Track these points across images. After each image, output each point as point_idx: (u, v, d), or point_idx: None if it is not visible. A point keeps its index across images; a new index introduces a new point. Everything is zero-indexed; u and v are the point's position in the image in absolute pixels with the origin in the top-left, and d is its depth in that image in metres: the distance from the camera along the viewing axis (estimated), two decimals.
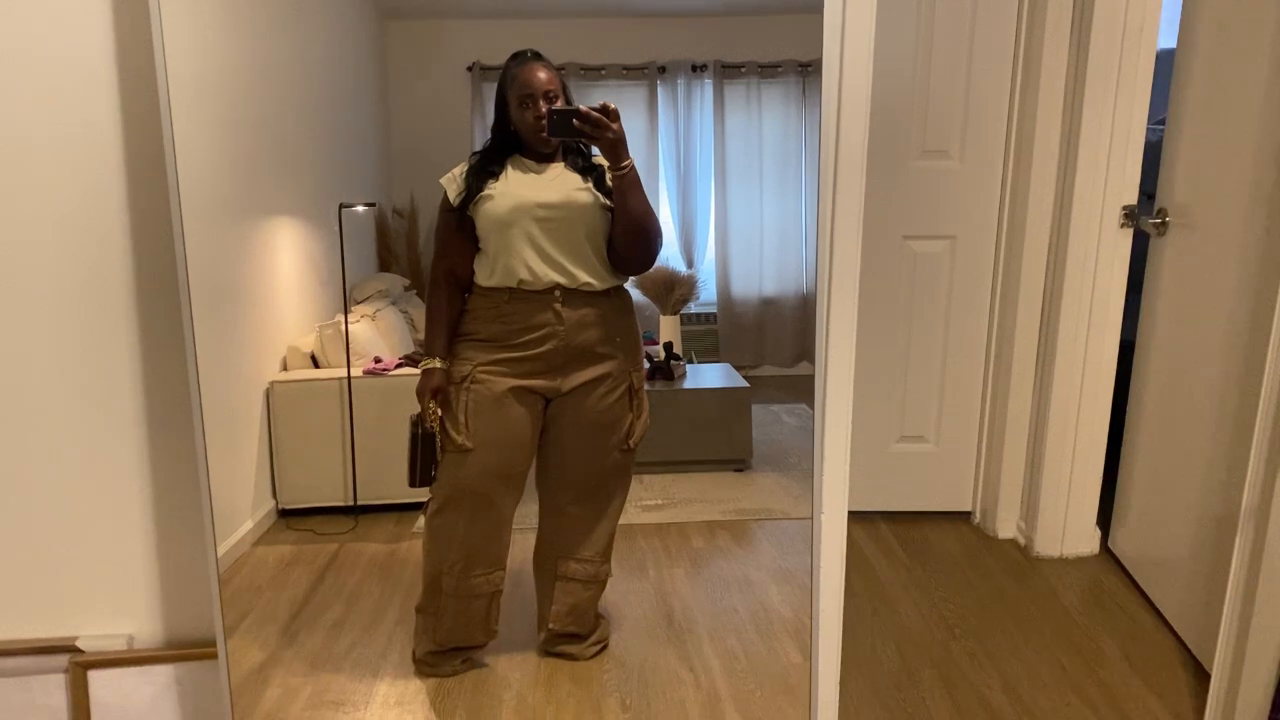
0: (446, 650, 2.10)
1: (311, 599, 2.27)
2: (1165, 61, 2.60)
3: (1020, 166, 2.79)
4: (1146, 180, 2.67)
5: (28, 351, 1.56)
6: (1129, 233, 2.66)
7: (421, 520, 2.44)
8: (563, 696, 2.04)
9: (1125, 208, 2.63)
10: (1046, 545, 2.87)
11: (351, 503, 2.40)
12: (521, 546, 2.17)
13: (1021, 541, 2.95)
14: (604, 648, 2.20)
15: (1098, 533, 2.88)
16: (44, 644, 1.59)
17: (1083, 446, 2.80)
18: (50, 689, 1.59)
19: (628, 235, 1.95)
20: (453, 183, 1.97)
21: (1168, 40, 2.62)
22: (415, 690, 2.04)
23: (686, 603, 2.40)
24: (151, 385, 1.60)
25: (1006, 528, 2.99)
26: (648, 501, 2.71)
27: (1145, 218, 2.58)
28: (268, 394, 2.29)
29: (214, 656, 1.54)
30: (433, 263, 2.04)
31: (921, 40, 2.78)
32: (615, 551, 2.22)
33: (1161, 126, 2.65)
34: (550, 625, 2.16)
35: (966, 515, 3.11)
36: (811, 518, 1.70)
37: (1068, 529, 2.85)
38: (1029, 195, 2.75)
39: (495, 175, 1.95)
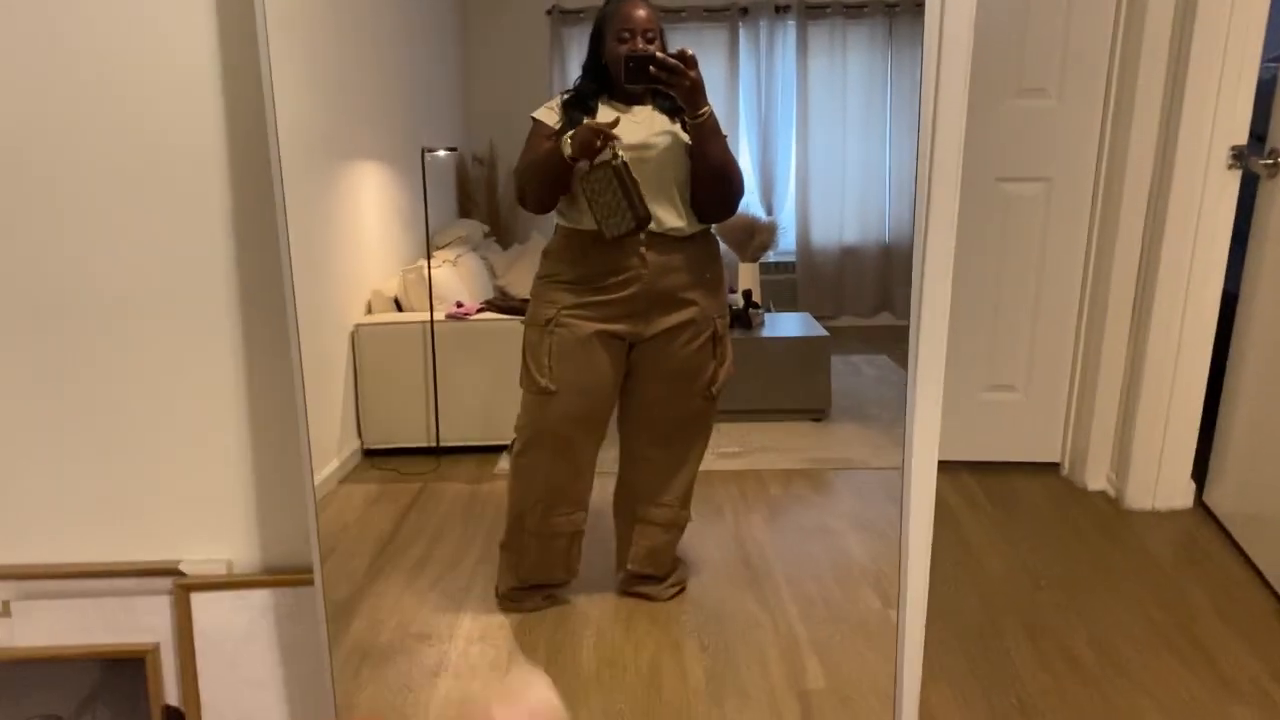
0: (528, 587, 2.14)
1: (396, 536, 2.32)
2: None
3: (1122, 104, 2.67)
4: (1256, 122, 2.53)
5: (135, 290, 1.61)
6: (1237, 175, 2.53)
7: (501, 462, 2.47)
8: (641, 635, 2.06)
9: (1234, 148, 2.51)
10: (1138, 498, 2.79)
11: (434, 444, 2.45)
12: (601, 488, 2.18)
13: (1111, 494, 2.88)
14: (681, 590, 2.21)
15: (1192, 486, 2.79)
16: (149, 567, 1.65)
17: (1179, 397, 2.70)
18: (154, 609, 1.66)
19: (707, 182, 1.93)
20: (550, 112, 1.96)
21: None
22: (499, 624, 2.08)
23: (764, 549, 2.40)
24: (250, 323, 1.64)
25: (1096, 479, 2.92)
26: (725, 449, 2.69)
27: (1256, 159, 2.46)
28: (353, 336, 2.33)
29: (309, 583, 1.58)
30: (516, 183, 2.03)
31: None
32: (693, 497, 2.23)
33: (1275, 64, 2.52)
34: (629, 566, 2.18)
35: (1054, 466, 3.04)
36: (901, 466, 1.66)
37: (1160, 481, 2.77)
38: (1130, 134, 2.63)
39: (589, 113, 1.93)
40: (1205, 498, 2.77)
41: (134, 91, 1.52)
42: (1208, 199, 2.55)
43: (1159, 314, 2.65)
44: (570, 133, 1.86)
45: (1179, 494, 2.79)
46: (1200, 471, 2.78)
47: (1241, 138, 2.51)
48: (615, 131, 1.87)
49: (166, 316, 1.61)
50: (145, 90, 1.52)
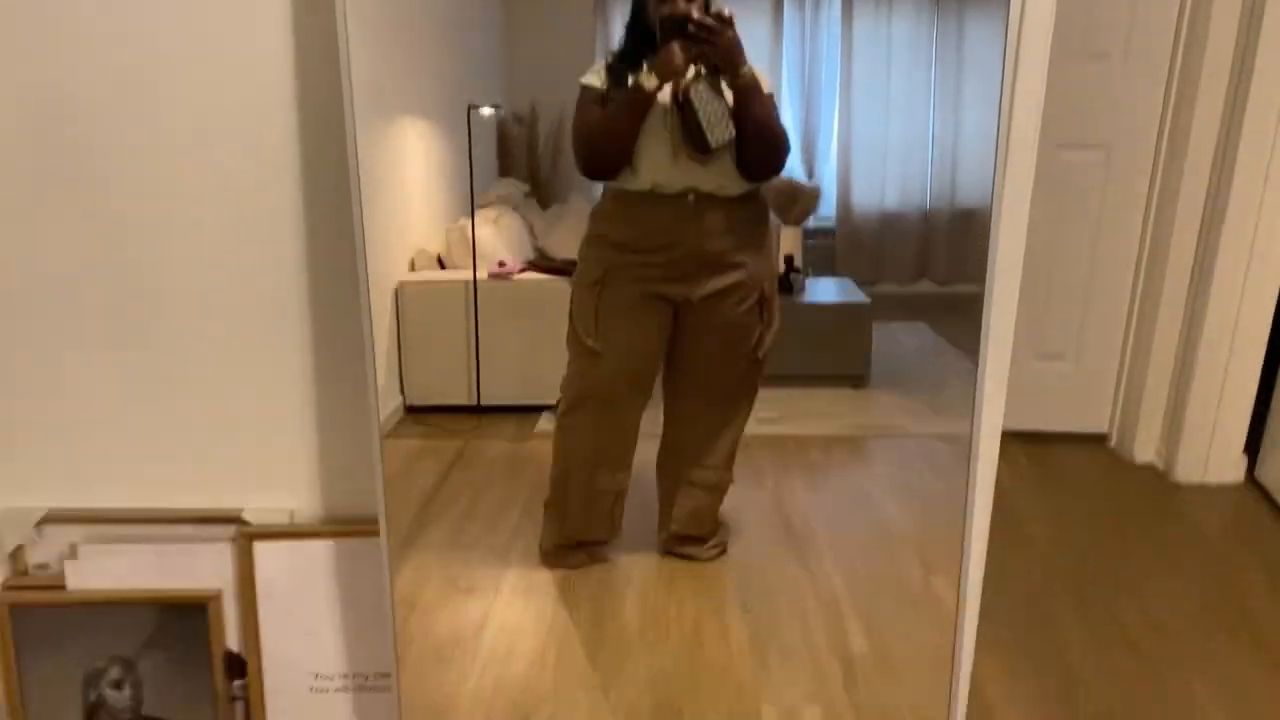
0: (572, 544, 2.15)
1: (440, 491, 2.33)
2: None
3: (1189, 68, 2.59)
4: None
5: (203, 241, 1.62)
6: None
7: (542, 422, 2.48)
8: (684, 596, 2.06)
9: None
10: (1188, 471, 2.75)
11: (475, 403, 2.45)
12: (644, 450, 2.18)
13: (1160, 466, 2.84)
14: (723, 551, 2.21)
15: (1244, 460, 2.75)
16: (213, 514, 1.67)
17: (1236, 368, 2.66)
18: (216, 556, 1.68)
19: (752, 141, 1.90)
20: (596, 75, 1.94)
21: None
22: (542, 580, 2.09)
23: (805, 514, 2.39)
24: (316, 275, 1.64)
25: (1144, 451, 2.88)
26: (764, 414, 2.68)
27: None
28: (396, 293, 2.33)
29: (370, 534, 1.60)
30: (578, 152, 2.01)
31: None
32: (734, 461, 2.23)
33: None
34: (671, 527, 2.18)
35: (1101, 438, 3.01)
36: (970, 433, 1.64)
37: (1212, 454, 2.73)
38: (1196, 100, 2.57)
39: (634, 75, 1.91)
40: (1257, 473, 2.73)
41: (205, 48, 1.52)
42: (1274, 167, 2.49)
43: (1219, 283, 2.60)
44: (646, 68, 1.84)
45: (1230, 468, 2.75)
46: (1253, 445, 2.74)
47: None
48: (663, 95, 1.86)
49: (235, 268, 1.62)
50: (216, 48, 1.52)
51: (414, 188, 2.39)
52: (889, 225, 2.93)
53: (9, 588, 1.69)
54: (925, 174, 2.86)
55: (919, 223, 2.93)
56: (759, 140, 1.91)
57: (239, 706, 1.75)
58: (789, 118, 2.74)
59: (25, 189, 1.59)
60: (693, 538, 2.18)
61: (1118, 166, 2.77)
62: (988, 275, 1.50)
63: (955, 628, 1.74)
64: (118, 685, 1.73)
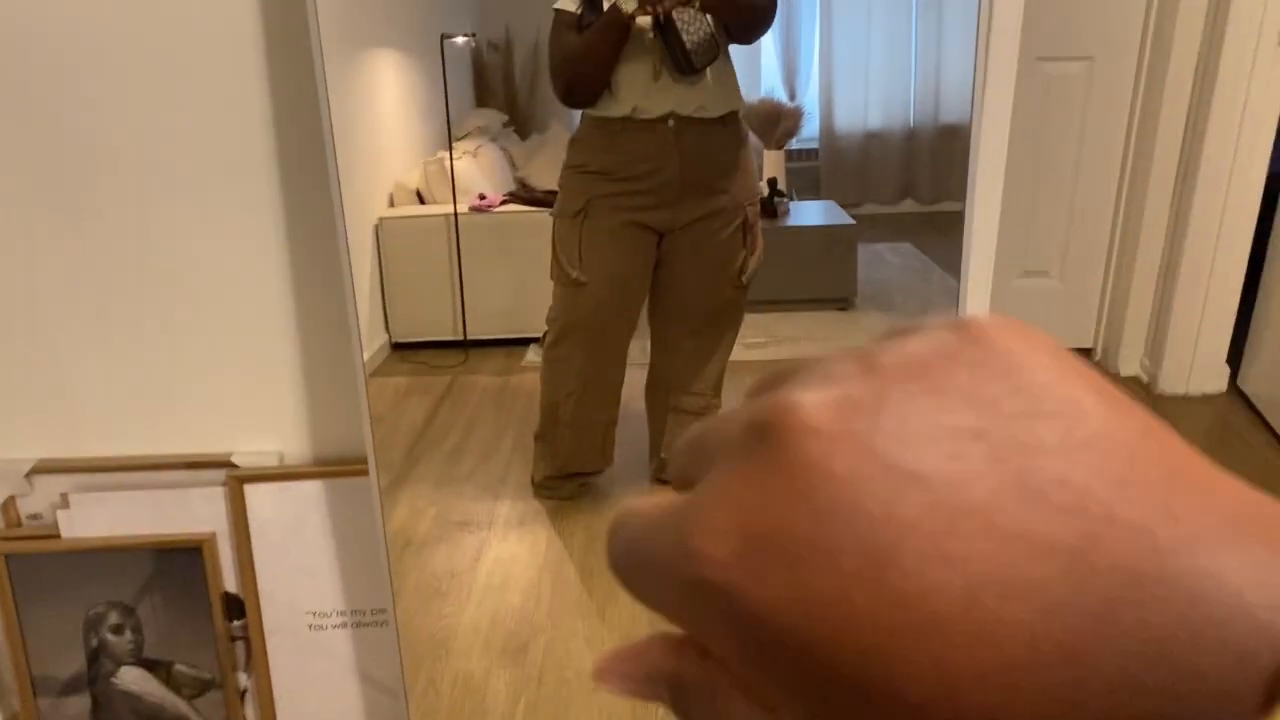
0: (564, 475, 2.17)
1: (429, 428, 2.34)
2: None
3: None
4: None
5: (179, 182, 1.59)
6: None
7: (529, 354, 2.48)
8: None
9: None
10: (1172, 382, 2.78)
11: (461, 337, 2.45)
12: (632, 380, 2.19)
13: (1144, 379, 2.87)
14: None
15: (1227, 370, 2.78)
16: (202, 459, 1.68)
17: (1218, 280, 2.67)
18: (208, 500, 1.69)
19: (738, 12, 1.84)
20: (570, 0, 1.90)
21: None
22: (535, 511, 2.11)
23: None
24: (293, 214, 1.62)
25: (1129, 365, 2.91)
26: (751, 340, 2.68)
27: None
28: (377, 230, 2.31)
29: (358, 474, 1.60)
30: (556, 78, 1.98)
31: None
32: (723, 387, 2.24)
33: None
34: (662, 454, 2.20)
35: (1087, 353, 3.03)
36: None
37: (1195, 365, 2.76)
38: (1178, 11, 2.53)
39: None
40: (1239, 381, 2.76)
41: None
42: (1256, 78, 2.47)
43: (1201, 196, 2.59)
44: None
45: (1213, 378, 2.78)
46: (1235, 355, 2.76)
47: None
48: (642, 16, 1.81)
49: (209, 214, 1.60)
50: None
51: (389, 122, 2.35)
52: (872, 145, 2.90)
53: (3, 538, 1.70)
54: (908, 91, 2.82)
55: (902, 141, 2.90)
56: (744, 8, 1.85)
57: (240, 646, 1.78)
58: (770, 39, 2.70)
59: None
60: None
61: (1100, 79, 2.75)
62: (968, 192, 1.49)
63: None
64: (118, 630, 1.75)
